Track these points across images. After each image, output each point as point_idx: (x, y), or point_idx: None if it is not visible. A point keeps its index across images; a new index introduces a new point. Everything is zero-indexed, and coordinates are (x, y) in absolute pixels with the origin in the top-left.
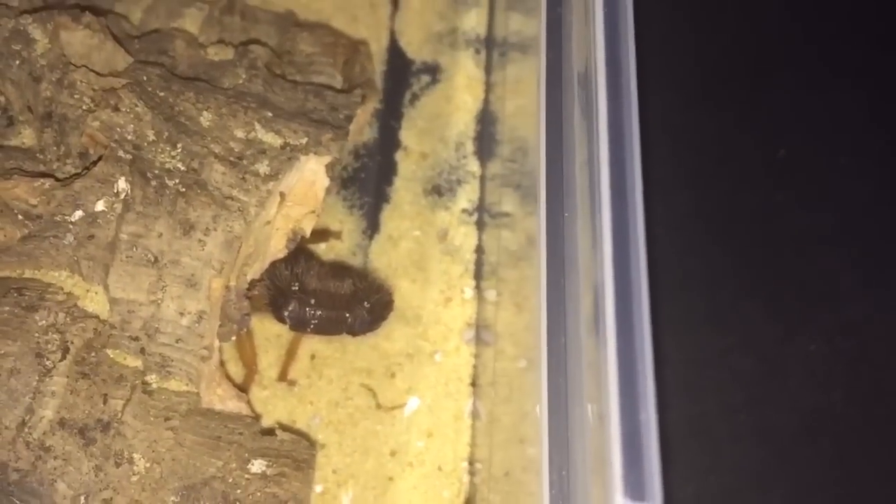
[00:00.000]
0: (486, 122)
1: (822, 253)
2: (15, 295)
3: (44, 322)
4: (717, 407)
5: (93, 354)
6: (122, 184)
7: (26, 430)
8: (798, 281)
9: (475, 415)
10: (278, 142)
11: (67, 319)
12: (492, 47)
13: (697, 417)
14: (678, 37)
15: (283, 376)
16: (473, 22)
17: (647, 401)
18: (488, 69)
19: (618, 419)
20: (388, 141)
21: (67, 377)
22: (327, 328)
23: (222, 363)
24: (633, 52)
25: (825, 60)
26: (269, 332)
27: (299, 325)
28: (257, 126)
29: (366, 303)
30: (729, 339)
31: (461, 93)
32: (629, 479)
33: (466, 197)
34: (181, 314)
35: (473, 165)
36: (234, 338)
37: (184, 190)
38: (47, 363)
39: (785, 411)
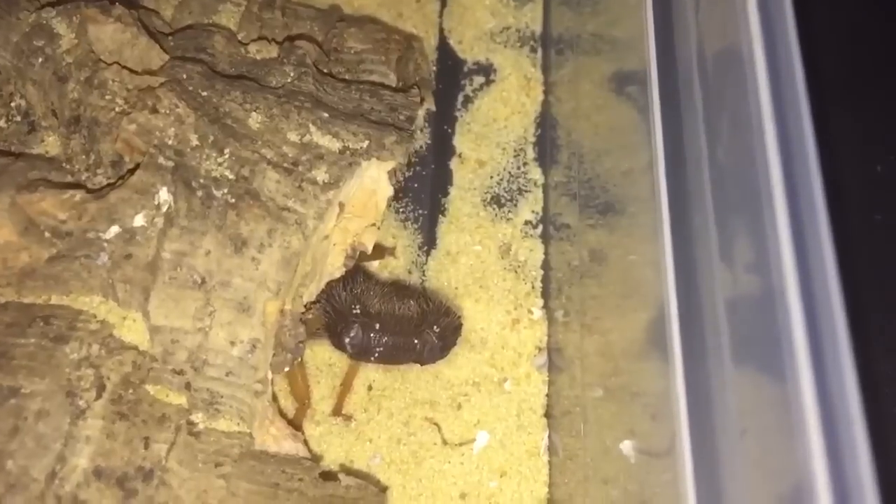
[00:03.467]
0: (547, 126)
1: None
2: (42, 324)
3: (75, 355)
4: None
5: (131, 392)
6: (163, 195)
7: (57, 481)
8: None
9: (552, 450)
10: (336, 146)
11: (102, 352)
12: (549, 45)
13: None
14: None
15: (338, 410)
16: (528, 18)
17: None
18: (546, 68)
19: (824, 467)
20: (441, 148)
21: (103, 419)
22: (392, 357)
23: (274, 398)
24: (794, 30)
25: None
26: (320, 360)
27: (362, 354)
28: (312, 128)
29: (435, 327)
30: None
31: (518, 94)
32: None
33: (529, 208)
34: (232, 343)
35: (535, 173)
36: (287, 369)
37: (233, 201)
38: (80, 403)
39: None
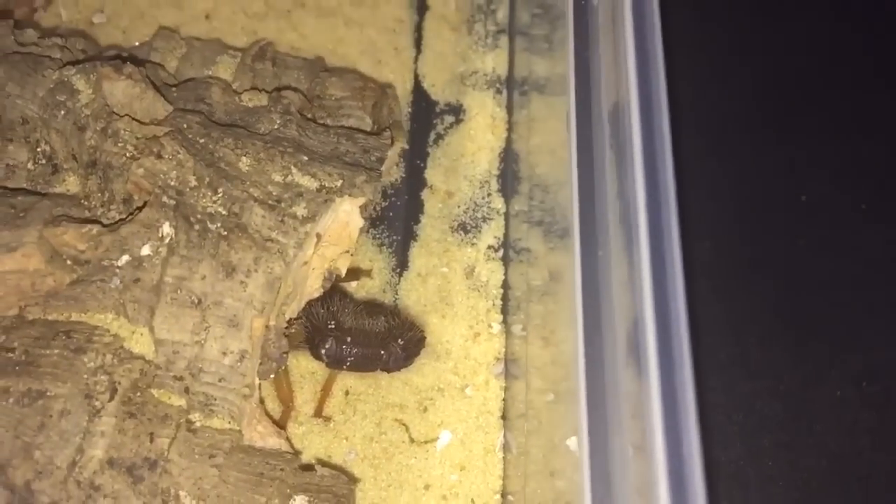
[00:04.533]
0: (509, 161)
1: (847, 298)
2: (63, 338)
3: (92, 364)
4: (746, 451)
5: (139, 394)
6: (166, 228)
7: (77, 469)
8: (824, 326)
9: (507, 447)
10: (314, 185)
11: (115, 361)
12: (513, 87)
13: (725, 462)
14: (702, 85)
15: (318, 412)
16: (495, 63)
17: (691, 435)
18: (510, 109)
19: (663, 452)
20: (414, 180)
21: (116, 417)
22: (363, 365)
23: (261, 401)
24: (664, 93)
25: (844, 108)
26: (303, 369)
27: (336, 363)
28: (294, 170)
29: (400, 340)
30: (756, 383)
31: (484, 132)
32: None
33: (492, 234)
34: (224, 354)
35: (498, 203)
36: (272, 376)
37: (225, 233)
38: (96, 404)
39: (813, 456)
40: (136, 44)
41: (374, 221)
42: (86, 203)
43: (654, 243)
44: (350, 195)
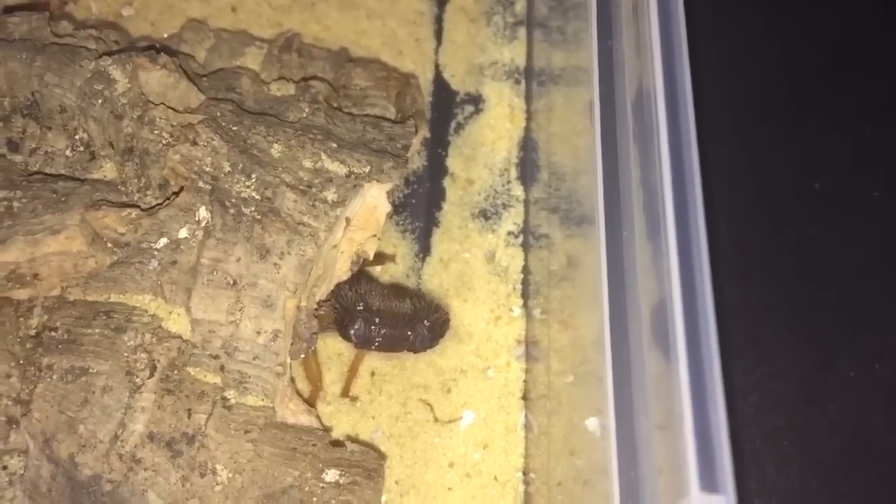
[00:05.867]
0: (528, 149)
1: (859, 283)
2: (104, 318)
3: (132, 342)
4: (761, 432)
5: (176, 372)
6: (202, 212)
7: (119, 443)
8: (836, 310)
9: (528, 427)
10: (343, 170)
11: (153, 340)
12: (531, 77)
13: (742, 442)
14: (719, 76)
15: (345, 392)
16: (513, 54)
17: (718, 405)
18: (528, 98)
19: (691, 422)
20: (436, 168)
21: (155, 393)
22: (390, 346)
23: (292, 380)
24: (689, 82)
25: (858, 97)
26: (331, 350)
27: (364, 343)
28: (323, 156)
29: (426, 321)
30: (771, 366)
31: (503, 121)
32: (703, 473)
33: (512, 220)
34: (258, 333)
35: (517, 190)
36: (302, 356)
37: (259, 217)
38: (137, 381)
39: (826, 437)
40: (166, 35)
41: (398, 208)
42: (123, 188)
43: (680, 229)
44: (378, 181)
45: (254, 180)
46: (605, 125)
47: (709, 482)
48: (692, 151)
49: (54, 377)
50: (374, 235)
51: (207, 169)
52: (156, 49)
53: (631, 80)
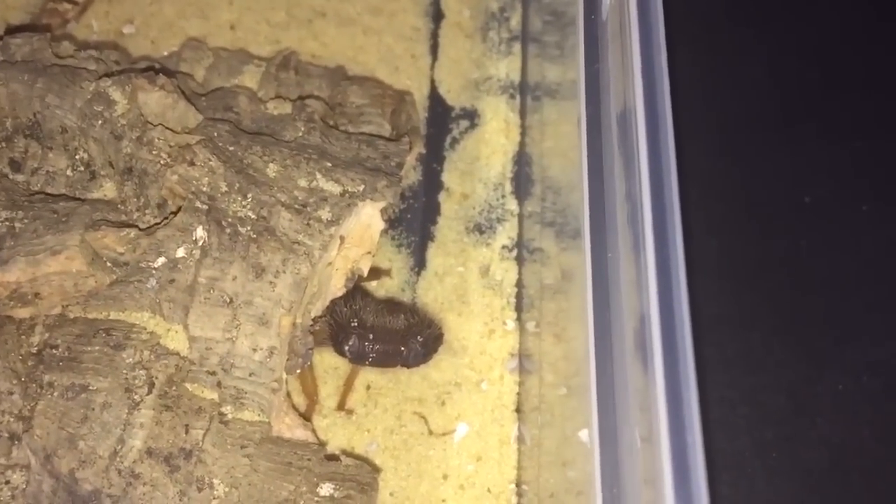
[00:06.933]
0: (523, 164)
1: (848, 295)
2: (103, 335)
3: (131, 360)
4: (750, 443)
5: (174, 388)
6: (199, 232)
7: (118, 458)
8: (825, 322)
9: (521, 439)
10: (338, 190)
11: (152, 357)
12: (526, 93)
13: (730, 454)
14: (707, 91)
15: (341, 406)
16: (508, 69)
17: (693, 424)
18: (523, 113)
19: (667, 440)
20: (431, 183)
21: (153, 409)
22: (384, 361)
23: (288, 394)
24: (668, 100)
25: (846, 111)
26: (327, 364)
27: (358, 359)
28: (318, 176)
29: (419, 337)
30: (760, 378)
31: (498, 136)
32: (679, 492)
33: (506, 234)
34: (254, 350)
35: (511, 204)
36: (298, 371)
37: (255, 236)
38: (135, 397)
39: (815, 448)
40: (165, 54)
41: (393, 223)
42: (122, 208)
43: (658, 244)
44: (372, 199)
45: (250, 200)
46: (591, 141)
47: (684, 497)
48: (671, 167)
49: (55, 394)
50: (369, 252)
51: (204, 189)
52: (155, 70)
53: (616, 98)
